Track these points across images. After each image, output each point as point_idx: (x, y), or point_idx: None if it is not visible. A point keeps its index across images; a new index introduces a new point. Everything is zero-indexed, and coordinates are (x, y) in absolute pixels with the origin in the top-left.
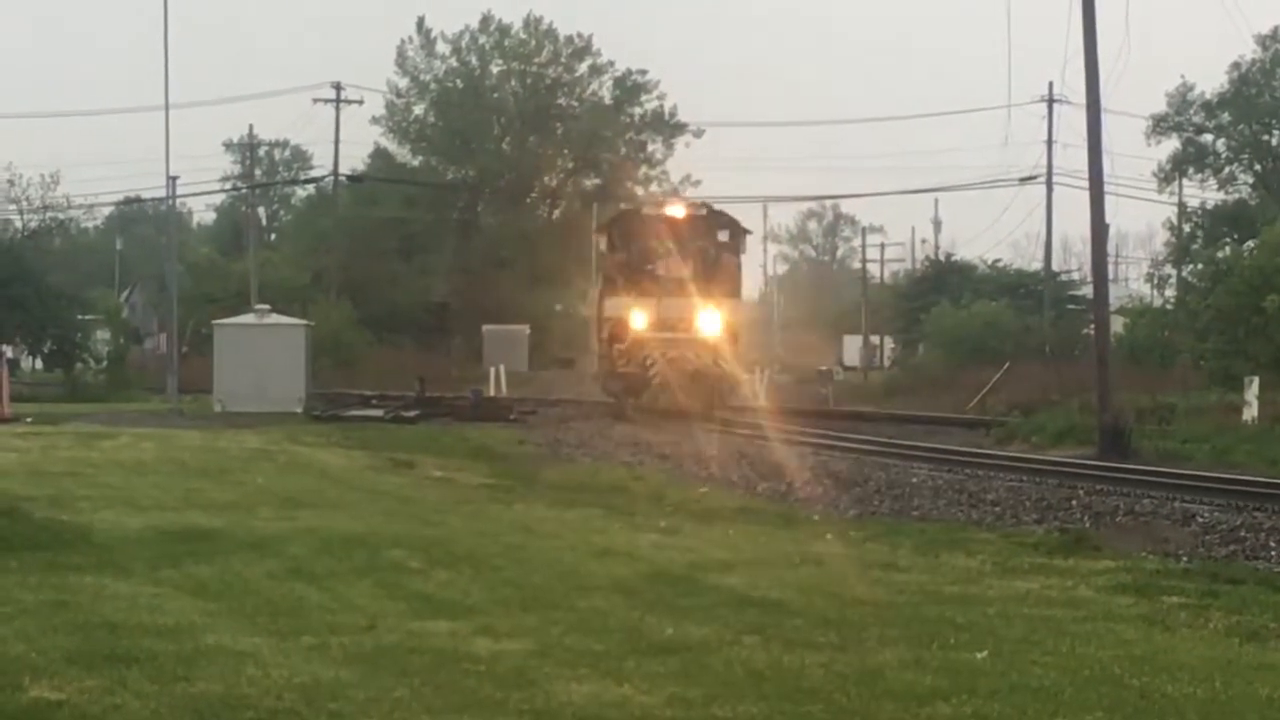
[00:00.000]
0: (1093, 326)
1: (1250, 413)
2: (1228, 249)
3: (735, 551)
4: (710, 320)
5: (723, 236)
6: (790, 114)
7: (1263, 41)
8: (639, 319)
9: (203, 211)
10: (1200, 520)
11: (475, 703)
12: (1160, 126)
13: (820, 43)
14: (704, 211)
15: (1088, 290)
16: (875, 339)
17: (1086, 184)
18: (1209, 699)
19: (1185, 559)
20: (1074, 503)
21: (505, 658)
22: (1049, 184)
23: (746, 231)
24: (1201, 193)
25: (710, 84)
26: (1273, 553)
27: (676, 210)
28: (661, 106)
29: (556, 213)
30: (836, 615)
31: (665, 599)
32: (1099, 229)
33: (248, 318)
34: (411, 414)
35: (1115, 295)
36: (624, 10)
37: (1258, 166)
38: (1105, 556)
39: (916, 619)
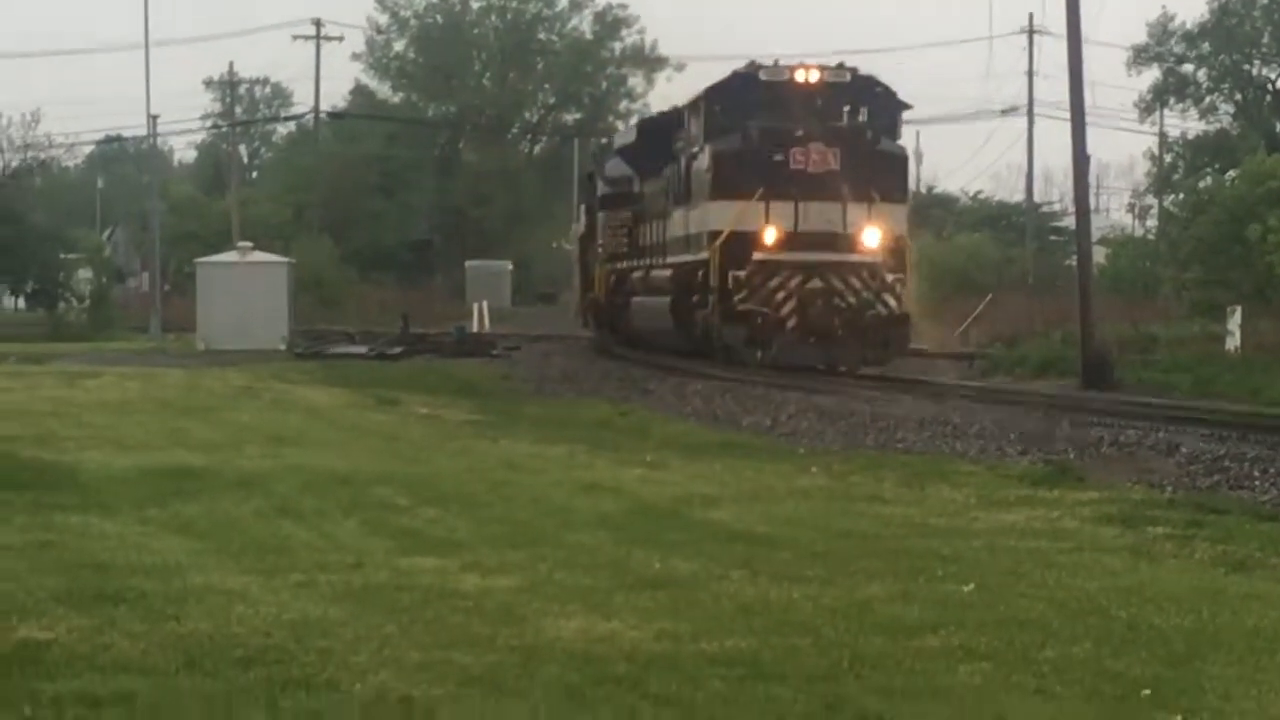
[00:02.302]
0: (1075, 258)
1: (1233, 342)
2: (1209, 179)
3: (721, 486)
4: (873, 235)
5: (877, 112)
6: (770, 46)
7: None
8: (767, 234)
9: (184, 150)
10: (1184, 450)
11: (464, 639)
12: (1141, 57)
13: None
14: (847, 77)
15: (1069, 221)
16: None
17: (1068, 115)
18: (1196, 629)
19: (1170, 489)
20: (1058, 434)
21: (493, 594)
22: (1030, 116)
23: (905, 105)
24: (1182, 123)
25: (691, 16)
26: (1257, 482)
27: (811, 74)
28: (642, 41)
29: (538, 148)
30: (823, 548)
31: (652, 534)
32: (1080, 160)
33: (230, 256)
34: (395, 351)
35: (1097, 226)
36: None
37: (1238, 96)
38: (1090, 488)
39: (903, 552)
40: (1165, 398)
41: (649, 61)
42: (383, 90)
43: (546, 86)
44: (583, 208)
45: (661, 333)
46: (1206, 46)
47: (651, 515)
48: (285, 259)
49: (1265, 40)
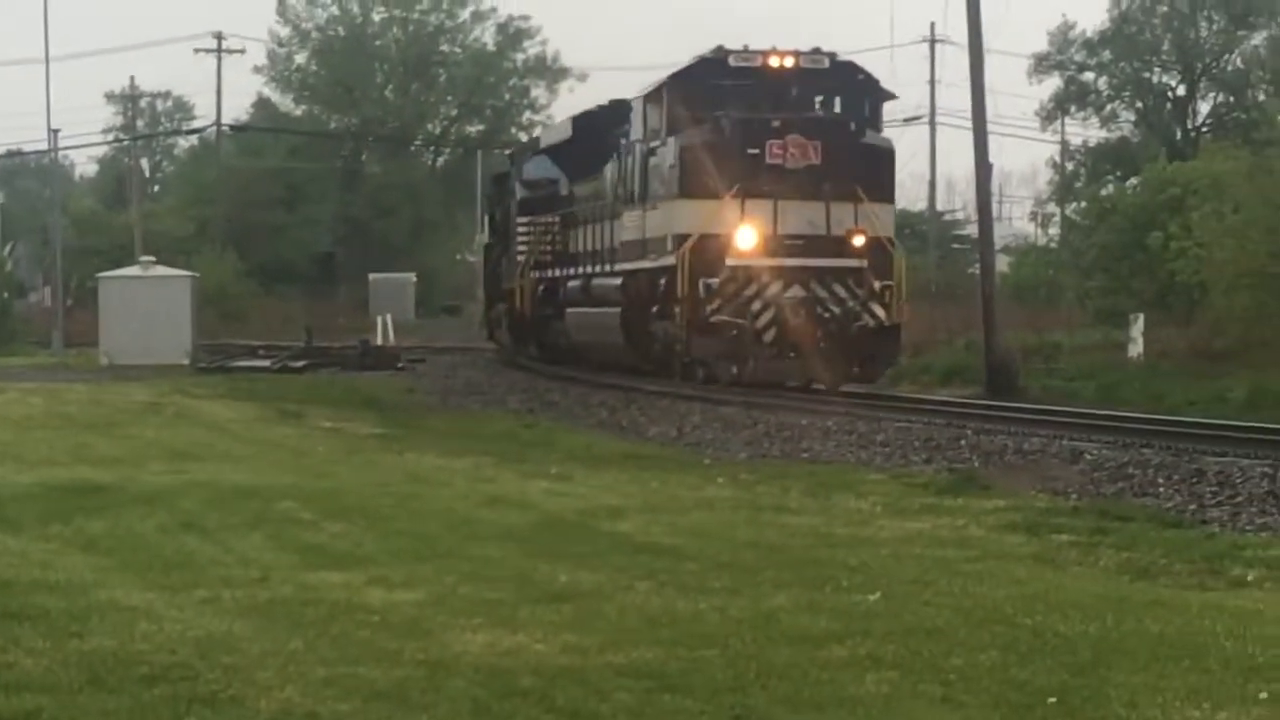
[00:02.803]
0: (978, 266)
1: (1135, 349)
2: (1110, 187)
3: (627, 497)
4: (860, 238)
5: (858, 102)
6: (673, 56)
7: None
8: (743, 237)
9: (85, 164)
10: (1088, 458)
11: (370, 654)
12: (1042, 65)
13: None
14: (825, 63)
15: (972, 229)
16: None
17: (970, 123)
18: (1101, 636)
19: (1074, 497)
20: (963, 442)
21: (399, 608)
22: (932, 124)
23: (888, 95)
24: (1084, 131)
25: (593, 27)
26: (1160, 489)
27: (786, 60)
28: (544, 52)
29: (441, 160)
30: (729, 559)
31: (558, 546)
32: (982, 168)
33: (132, 270)
34: (299, 364)
35: (1000, 234)
36: None
37: (1139, 104)
38: (995, 495)
39: (809, 562)
40: (1069, 405)
41: (551, 72)
42: (285, 103)
43: (449, 98)
44: (488, 217)
45: (609, 348)
46: (1107, 54)
47: (557, 527)
48: (188, 273)
49: (1165, 48)
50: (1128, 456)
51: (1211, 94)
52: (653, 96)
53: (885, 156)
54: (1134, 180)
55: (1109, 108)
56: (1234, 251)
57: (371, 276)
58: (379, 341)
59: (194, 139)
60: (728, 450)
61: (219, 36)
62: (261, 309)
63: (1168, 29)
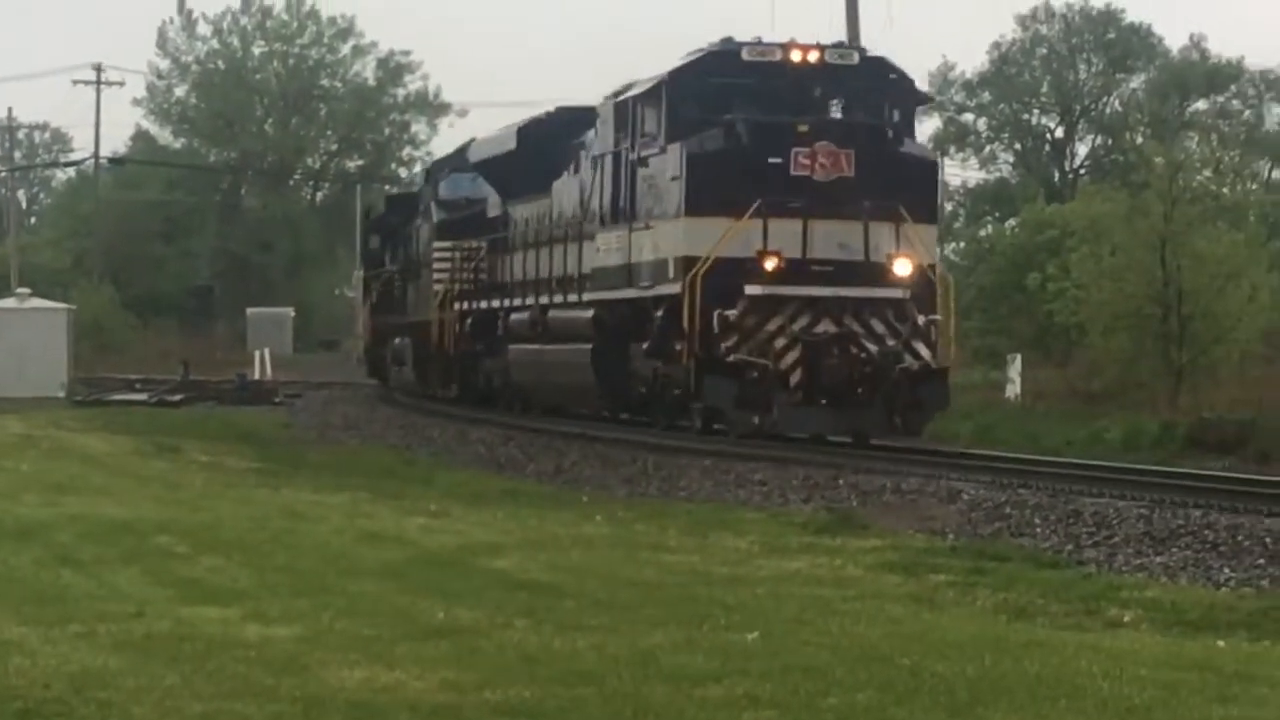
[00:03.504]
0: None
1: (1013, 390)
2: (989, 227)
3: (505, 534)
4: (903, 264)
5: (891, 105)
6: (553, 92)
7: (1022, 21)
8: (766, 261)
9: None
10: (965, 498)
11: (246, 690)
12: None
13: (569, 26)
14: (855, 58)
15: None
16: None
17: None
18: (979, 676)
19: (951, 537)
20: (841, 481)
21: (276, 644)
22: None
23: (925, 98)
24: (963, 172)
25: (477, 63)
26: (1038, 529)
27: (810, 54)
28: (425, 87)
29: (320, 195)
30: (607, 597)
31: (436, 583)
32: None
33: (8, 302)
34: (176, 398)
35: None
36: None
37: (1018, 145)
38: (872, 535)
39: (687, 600)
40: (947, 445)
41: (432, 108)
42: (164, 136)
43: (329, 132)
44: (380, 246)
45: (571, 390)
46: (987, 96)
47: (435, 564)
48: (65, 305)
49: (1044, 90)
50: (1005, 497)
51: (1090, 136)
52: (649, 97)
53: (928, 169)
54: (1013, 221)
55: (988, 149)
56: (1111, 293)
57: (249, 311)
58: (256, 376)
59: (72, 171)
60: (606, 487)
61: (98, 68)
62: (139, 342)
63: (1047, 71)
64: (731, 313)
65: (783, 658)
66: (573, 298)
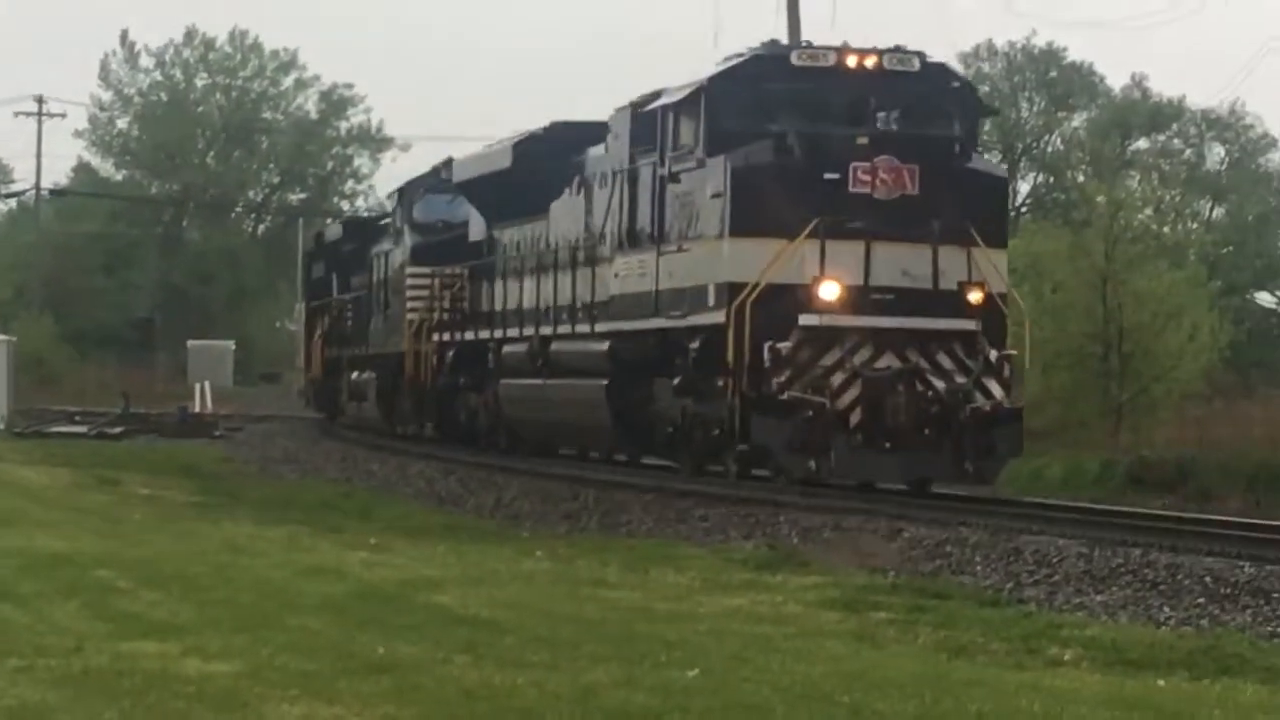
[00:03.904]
0: None
1: None
2: None
3: (445, 569)
4: (975, 293)
5: (954, 117)
6: (495, 129)
7: (965, 59)
8: (825, 289)
9: None
10: (906, 535)
11: None
12: None
13: (508, 60)
14: (916, 64)
15: None
16: None
17: None
18: (920, 715)
19: (892, 574)
20: (781, 518)
21: (215, 679)
22: None
23: (990, 110)
24: None
25: (416, 96)
26: (978, 567)
27: (867, 60)
28: (368, 120)
29: (262, 228)
30: (548, 633)
31: (376, 617)
32: None
33: None
34: (116, 431)
35: None
36: (332, 24)
37: None
38: (813, 572)
39: (628, 637)
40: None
41: (375, 141)
42: (106, 168)
43: (271, 165)
44: (319, 270)
45: (581, 429)
46: None
47: (375, 599)
48: (5, 337)
49: (986, 128)
50: (945, 534)
51: (1031, 174)
52: (682, 106)
53: (998, 188)
54: None
55: None
56: (1053, 331)
57: (190, 343)
58: (197, 409)
59: (13, 203)
60: (546, 523)
61: (40, 100)
62: (79, 375)
63: None
64: (784, 345)
65: (724, 695)
66: (582, 328)
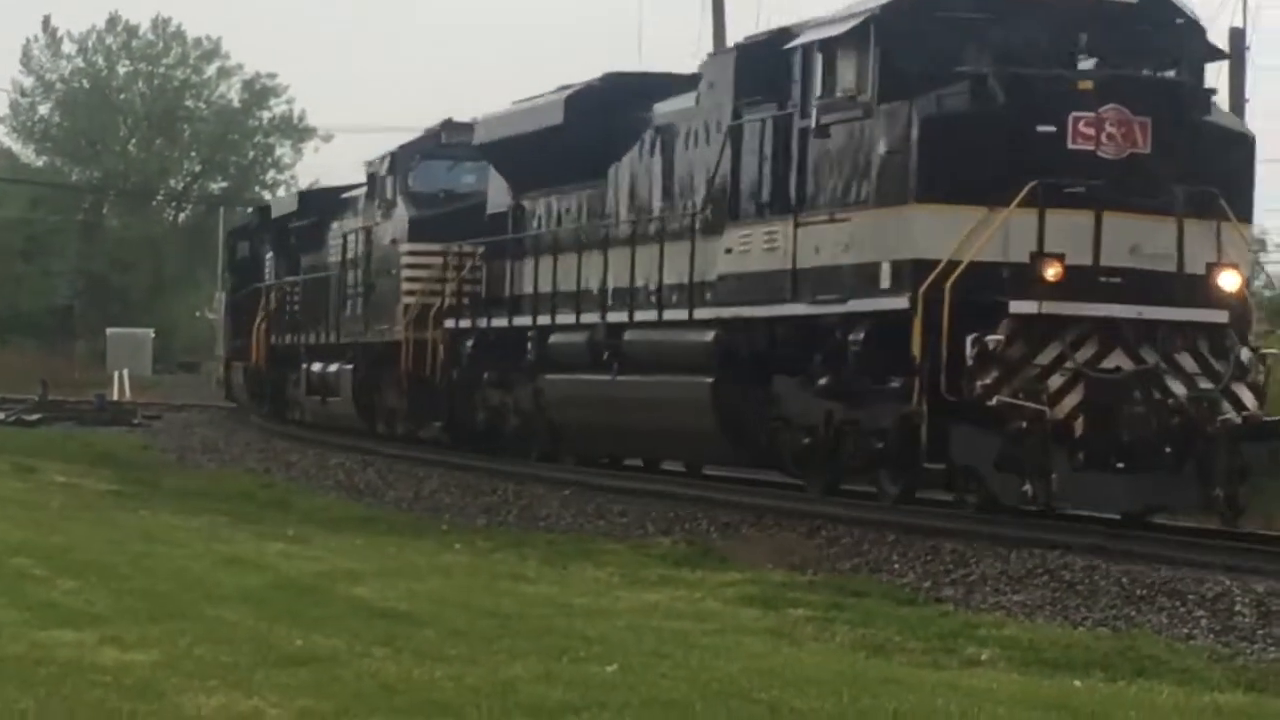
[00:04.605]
0: None
1: None
2: None
3: (364, 561)
4: (1230, 278)
5: (1181, 59)
6: (420, 118)
7: None
8: (1045, 269)
9: None
10: (824, 532)
11: (102, 715)
12: None
13: (436, 51)
14: None
15: None
16: None
17: None
18: (837, 713)
19: (811, 571)
20: (700, 513)
21: (132, 669)
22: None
23: (1218, 53)
24: None
25: (341, 86)
26: (896, 565)
27: None
28: (291, 110)
29: (183, 216)
30: (466, 627)
31: (294, 609)
32: None
33: None
34: (34, 418)
35: None
36: (257, 12)
37: None
38: (732, 568)
39: (546, 631)
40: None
41: (297, 131)
42: (27, 154)
43: (193, 154)
44: (252, 251)
45: (675, 438)
46: None
47: (294, 590)
48: None
49: None
50: (864, 532)
51: None
52: (843, 42)
53: (1244, 148)
54: None
55: None
56: None
57: (109, 331)
58: (116, 397)
59: None
60: (465, 516)
61: None
62: None
63: None
64: (993, 338)
65: (642, 691)
66: (674, 314)
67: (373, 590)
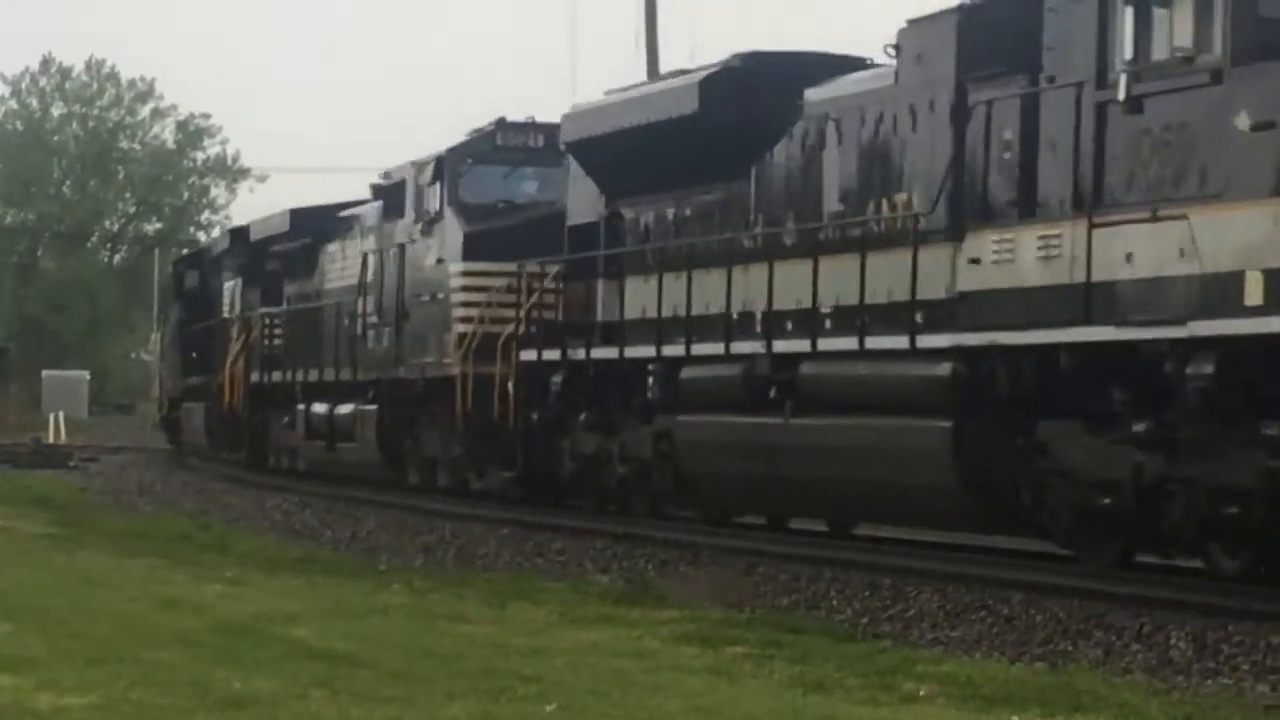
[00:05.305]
0: None
1: None
2: None
3: (302, 602)
4: None
5: None
6: (343, 157)
7: None
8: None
9: None
10: (762, 570)
11: None
12: None
13: (373, 94)
14: None
15: None
16: None
17: None
18: None
19: (749, 609)
20: (638, 551)
21: (69, 713)
22: None
23: None
24: None
25: (278, 127)
26: (833, 601)
27: None
28: (225, 151)
29: (118, 258)
30: (405, 668)
31: (232, 651)
32: None
33: None
34: None
35: None
36: (190, 54)
37: None
38: (670, 606)
39: (485, 671)
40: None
41: (231, 172)
42: None
43: (127, 195)
44: (200, 282)
45: (892, 496)
46: None
47: (232, 632)
48: None
49: None
50: (801, 569)
51: None
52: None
53: None
54: None
55: None
56: None
57: (45, 373)
58: (51, 439)
59: None
60: (403, 556)
61: None
62: None
63: None
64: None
65: None
66: (885, 341)
67: (310, 631)
